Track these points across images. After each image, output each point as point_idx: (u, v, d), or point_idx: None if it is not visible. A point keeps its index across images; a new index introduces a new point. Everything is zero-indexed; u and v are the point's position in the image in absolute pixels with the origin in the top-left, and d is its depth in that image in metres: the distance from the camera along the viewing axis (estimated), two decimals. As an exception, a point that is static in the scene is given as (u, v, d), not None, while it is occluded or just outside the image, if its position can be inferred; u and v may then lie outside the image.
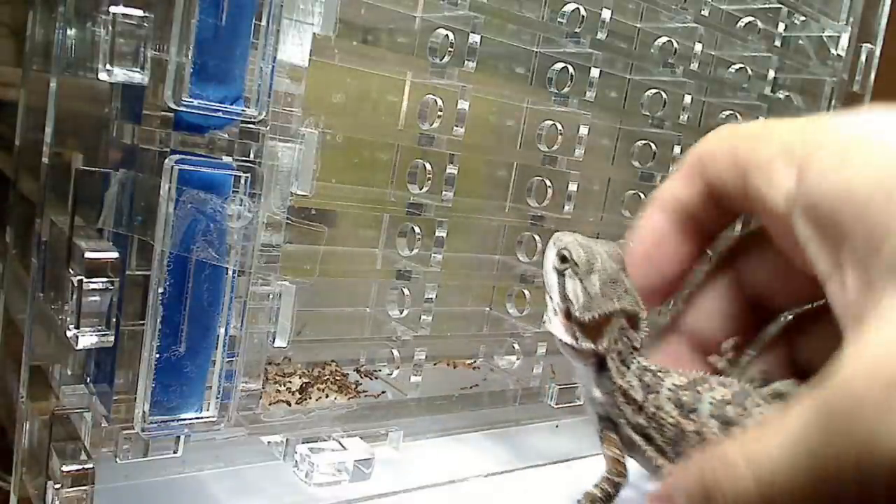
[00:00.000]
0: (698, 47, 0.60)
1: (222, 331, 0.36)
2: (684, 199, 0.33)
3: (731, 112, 0.67)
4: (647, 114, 0.60)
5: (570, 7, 0.54)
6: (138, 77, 0.32)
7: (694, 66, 0.60)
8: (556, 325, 0.35)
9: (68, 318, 0.32)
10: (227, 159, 0.35)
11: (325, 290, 0.58)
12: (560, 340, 0.35)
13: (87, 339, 0.32)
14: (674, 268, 0.35)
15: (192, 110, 0.33)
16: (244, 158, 0.36)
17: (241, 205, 0.35)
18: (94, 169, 0.34)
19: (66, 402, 0.36)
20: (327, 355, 0.58)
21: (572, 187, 0.56)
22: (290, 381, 0.52)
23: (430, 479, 0.47)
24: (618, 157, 0.67)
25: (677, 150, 0.61)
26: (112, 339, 0.33)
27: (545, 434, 0.56)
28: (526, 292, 0.59)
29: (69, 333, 0.32)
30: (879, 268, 0.24)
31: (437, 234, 0.50)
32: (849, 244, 0.25)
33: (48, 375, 0.37)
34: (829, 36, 0.70)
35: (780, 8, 0.67)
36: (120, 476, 0.39)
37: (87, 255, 0.32)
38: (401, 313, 0.53)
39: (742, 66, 0.67)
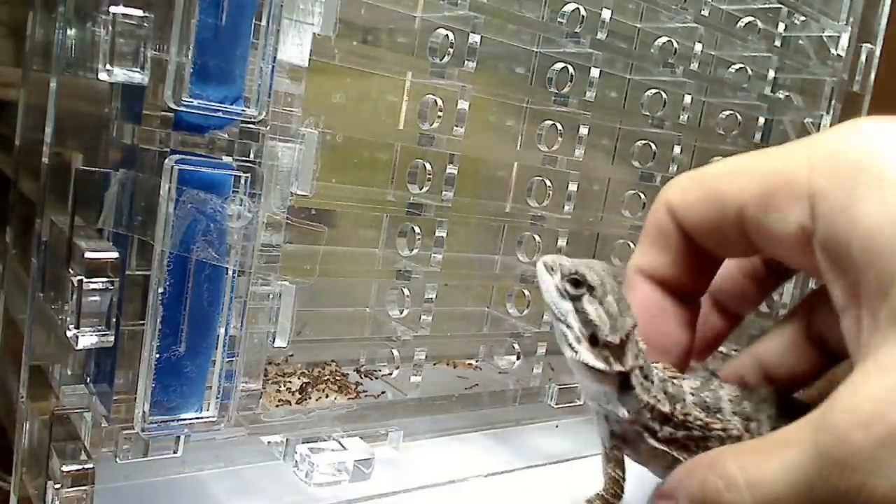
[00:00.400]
0: (698, 47, 0.60)
1: (222, 331, 0.36)
2: (661, 270, 0.33)
3: (731, 112, 0.67)
4: (647, 114, 0.60)
5: (570, 7, 0.54)
6: (138, 77, 0.32)
7: (694, 66, 0.60)
8: (585, 354, 0.33)
9: (68, 318, 0.32)
10: (227, 159, 0.35)
11: (325, 290, 0.58)
12: (589, 368, 0.33)
13: (87, 339, 0.32)
14: (684, 332, 0.34)
15: (192, 110, 0.33)
16: (244, 158, 0.36)
17: (241, 205, 0.35)
18: (94, 169, 0.34)
19: (66, 402, 0.36)
20: (327, 355, 0.58)
21: (572, 187, 0.56)
22: (290, 381, 0.52)
23: (430, 479, 0.47)
24: (618, 157, 0.67)
25: (677, 150, 0.61)
26: (112, 339, 0.33)
27: (545, 434, 0.56)
28: (526, 292, 0.59)
29: (69, 333, 0.32)
30: (886, 313, 0.24)
31: (437, 234, 0.50)
32: (864, 283, 0.25)
33: (48, 375, 0.37)
34: (829, 36, 0.70)
35: (780, 8, 0.67)
36: (120, 476, 0.39)
37: (87, 255, 0.32)
38: (401, 313, 0.53)
39: (742, 66, 0.67)
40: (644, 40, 0.64)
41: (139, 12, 0.31)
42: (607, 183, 0.68)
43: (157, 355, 0.34)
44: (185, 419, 0.36)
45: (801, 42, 0.72)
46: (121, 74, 0.31)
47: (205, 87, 0.33)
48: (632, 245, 0.64)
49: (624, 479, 0.35)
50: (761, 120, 0.69)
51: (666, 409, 0.34)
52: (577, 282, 0.33)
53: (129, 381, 0.35)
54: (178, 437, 0.37)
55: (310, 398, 0.50)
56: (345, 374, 0.56)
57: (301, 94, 0.37)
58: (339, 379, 0.55)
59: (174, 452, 0.37)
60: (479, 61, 0.49)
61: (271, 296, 0.38)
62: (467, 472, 0.48)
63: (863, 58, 0.70)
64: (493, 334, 0.65)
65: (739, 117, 0.67)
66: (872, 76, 0.71)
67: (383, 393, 0.54)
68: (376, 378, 0.57)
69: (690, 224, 0.32)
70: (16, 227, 0.42)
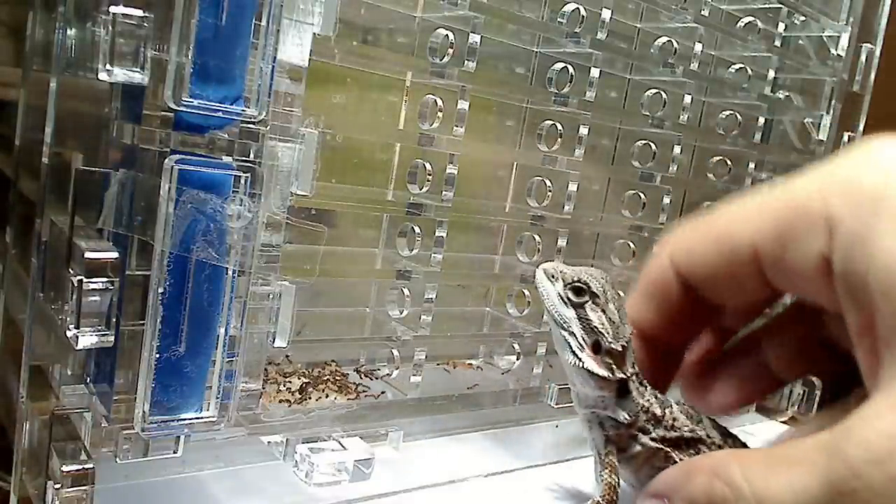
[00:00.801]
0: (698, 47, 0.60)
1: (222, 331, 0.36)
2: (651, 329, 0.33)
3: (731, 112, 0.67)
4: (647, 114, 0.60)
5: (570, 7, 0.54)
6: (138, 77, 0.32)
7: (694, 66, 0.60)
8: (588, 361, 0.33)
9: (68, 318, 0.32)
10: (227, 159, 0.35)
11: (325, 290, 0.58)
12: (591, 375, 0.34)
13: (87, 339, 0.32)
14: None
15: (192, 110, 0.33)
16: (244, 158, 0.36)
17: (241, 205, 0.35)
18: (94, 169, 0.34)
19: (66, 402, 0.36)
20: (327, 355, 0.58)
21: (572, 187, 0.56)
22: (290, 381, 0.52)
23: (429, 479, 0.47)
24: (618, 158, 0.67)
25: (677, 150, 0.61)
26: (112, 339, 0.33)
27: (545, 434, 0.56)
28: (526, 292, 0.59)
29: (69, 333, 0.32)
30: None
31: (436, 234, 0.50)
32: (879, 317, 0.25)
33: (48, 375, 0.37)
34: (829, 36, 0.70)
35: (780, 8, 0.67)
36: (120, 476, 0.39)
37: (87, 255, 0.32)
38: (401, 313, 0.53)
39: (742, 66, 0.67)
40: (644, 40, 0.63)
41: (139, 12, 0.31)
42: (607, 183, 0.68)
43: (157, 355, 0.34)
44: (185, 419, 0.36)
45: (801, 42, 0.72)
46: (121, 74, 0.31)
47: (205, 87, 0.33)
48: (632, 245, 0.64)
49: (619, 484, 0.35)
50: (761, 120, 0.69)
51: (658, 411, 0.35)
52: (580, 290, 0.33)
53: (129, 381, 0.35)
54: (178, 437, 0.37)
55: (310, 398, 0.50)
56: (345, 374, 0.56)
57: (301, 94, 0.37)
58: (339, 379, 0.55)
59: (174, 452, 0.37)
60: (479, 61, 0.48)
61: (271, 296, 0.38)
62: (467, 472, 0.48)
63: (863, 58, 0.70)
64: (493, 334, 0.65)
65: (739, 117, 0.67)
66: (872, 76, 0.71)
67: (383, 393, 0.54)
68: (376, 378, 0.57)
69: (696, 273, 0.31)
70: (16, 227, 0.42)
